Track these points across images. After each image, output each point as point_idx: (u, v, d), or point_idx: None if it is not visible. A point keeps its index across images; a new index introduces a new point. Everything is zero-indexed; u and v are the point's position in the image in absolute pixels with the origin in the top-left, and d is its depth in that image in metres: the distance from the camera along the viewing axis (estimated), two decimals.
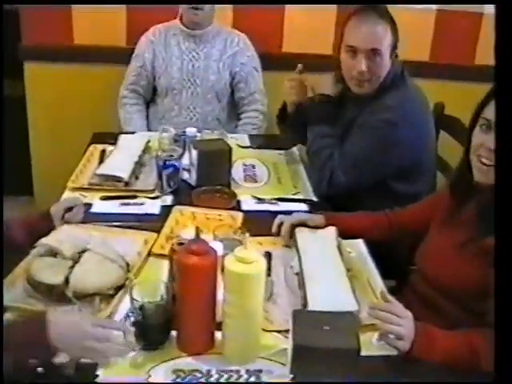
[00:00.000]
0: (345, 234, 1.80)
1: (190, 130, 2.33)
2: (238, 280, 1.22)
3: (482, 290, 1.43)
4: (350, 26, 2.12)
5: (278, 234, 1.81)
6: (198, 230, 1.25)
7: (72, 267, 1.49)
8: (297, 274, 1.60)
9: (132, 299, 1.31)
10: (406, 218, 1.88)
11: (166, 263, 1.57)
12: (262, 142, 2.63)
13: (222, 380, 1.26)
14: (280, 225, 1.81)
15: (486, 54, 3.36)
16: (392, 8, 3.11)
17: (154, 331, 1.31)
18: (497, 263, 1.23)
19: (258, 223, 1.86)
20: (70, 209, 1.79)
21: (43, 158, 3.36)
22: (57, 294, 1.44)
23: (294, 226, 1.80)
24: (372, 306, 1.39)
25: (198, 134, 2.36)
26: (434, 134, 2.26)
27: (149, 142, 2.43)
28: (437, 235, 1.69)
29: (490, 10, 3.27)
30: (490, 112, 1.48)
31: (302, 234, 1.77)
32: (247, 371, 1.28)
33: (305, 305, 1.45)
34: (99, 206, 1.98)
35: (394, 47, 2.12)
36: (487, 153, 1.48)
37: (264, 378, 1.27)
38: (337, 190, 2.09)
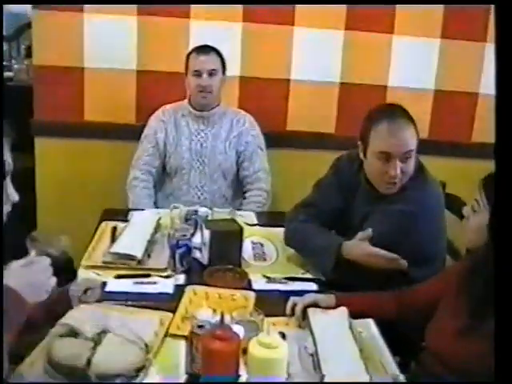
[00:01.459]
0: (354, 314, 1.83)
1: (202, 210, 2.40)
2: (261, 365, 1.27)
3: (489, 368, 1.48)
4: (380, 132, 2.10)
5: (291, 315, 1.84)
6: (222, 316, 1.30)
7: (93, 348, 1.53)
8: (311, 354, 1.63)
9: None
10: (413, 298, 1.91)
11: (182, 343, 1.62)
12: (268, 219, 2.69)
13: None
14: (293, 306, 1.85)
15: (482, 131, 3.50)
16: (391, 89, 3.29)
17: None
18: (497, 269, 1.28)
19: (270, 303, 1.90)
20: (87, 289, 1.83)
21: (51, 233, 3.40)
22: (79, 376, 1.47)
23: (306, 307, 1.84)
24: None
25: (210, 212, 2.42)
26: (446, 221, 2.29)
27: (159, 219, 2.49)
28: (446, 317, 1.74)
29: (485, 91, 3.42)
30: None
31: (314, 314, 1.81)
32: None
33: None
34: (113, 285, 2.02)
35: (418, 144, 2.14)
36: None
37: None
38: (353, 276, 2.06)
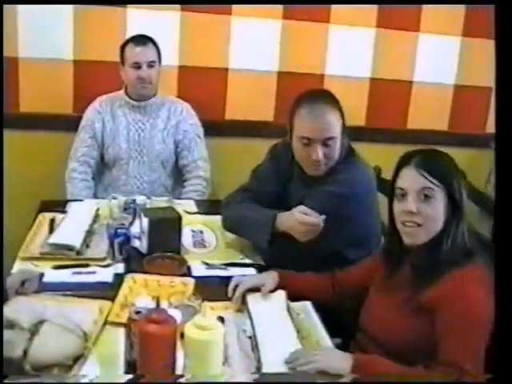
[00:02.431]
0: (292, 293, 1.87)
1: (140, 198, 2.39)
2: (198, 347, 1.28)
3: (425, 344, 1.55)
4: (301, 118, 2.14)
5: (233, 296, 1.87)
6: (158, 300, 1.31)
7: (30, 339, 1.51)
8: (249, 337, 1.66)
9: None
10: (347, 279, 1.97)
11: (121, 331, 1.62)
12: (208, 207, 2.70)
13: None
14: (235, 287, 1.87)
15: (416, 118, 3.60)
16: (328, 78, 3.34)
17: None
18: (497, 266, 1.33)
19: (209, 288, 1.92)
20: (24, 280, 1.81)
21: None
22: (16, 368, 1.45)
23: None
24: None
25: (148, 202, 2.42)
26: (379, 202, 2.33)
27: (98, 209, 2.48)
28: (377, 297, 1.81)
29: (418, 79, 3.51)
30: (401, 180, 1.66)
31: (253, 298, 1.84)
32: None
33: (259, 367, 1.51)
34: (51, 276, 1.99)
35: (344, 130, 2.18)
36: (409, 216, 1.64)
37: None
38: (290, 259, 2.09)
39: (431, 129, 3.62)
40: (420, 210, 1.63)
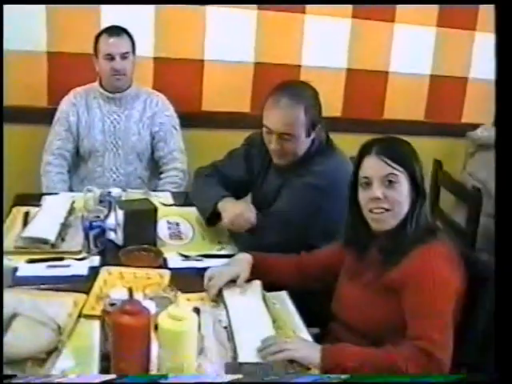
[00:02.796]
0: (263, 275, 1.89)
1: (115, 190, 2.38)
2: (171, 337, 1.28)
3: (396, 324, 1.57)
4: (266, 106, 2.19)
5: None
6: (131, 291, 1.30)
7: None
8: (225, 327, 1.66)
9: None
10: (313, 262, 1.98)
11: (96, 324, 1.60)
12: (185, 199, 2.68)
13: None
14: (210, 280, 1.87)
15: (393, 108, 3.62)
16: (305, 69, 3.34)
17: None
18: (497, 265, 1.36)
19: (185, 280, 1.91)
20: None
21: None
22: None
23: None
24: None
25: (123, 194, 2.40)
26: None
27: (73, 202, 2.46)
28: (346, 283, 1.83)
29: (394, 69, 3.53)
30: (364, 169, 1.69)
31: (228, 288, 1.83)
32: None
33: (235, 357, 1.51)
34: (25, 269, 1.97)
35: (313, 125, 2.18)
36: (376, 203, 1.67)
37: None
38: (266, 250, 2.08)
39: (408, 119, 3.63)
40: (386, 196, 1.66)
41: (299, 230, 2.14)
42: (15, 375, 1.22)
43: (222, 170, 2.44)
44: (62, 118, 2.94)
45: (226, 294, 1.81)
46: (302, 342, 1.58)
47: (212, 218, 2.28)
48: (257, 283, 1.87)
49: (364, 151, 1.72)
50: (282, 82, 2.23)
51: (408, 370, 1.45)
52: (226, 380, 1.21)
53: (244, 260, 1.93)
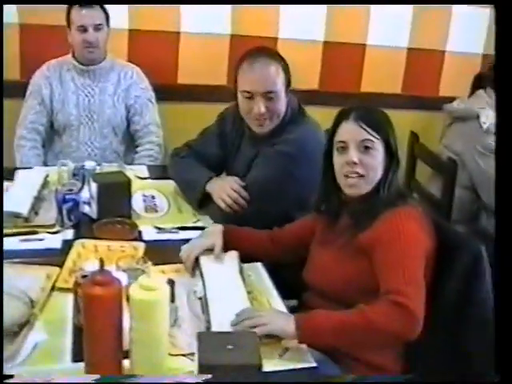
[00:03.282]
0: (239, 250, 1.89)
1: (89, 164, 2.35)
2: (142, 307, 1.27)
3: (369, 287, 1.58)
4: (242, 71, 2.16)
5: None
6: (101, 261, 1.29)
7: None
8: (200, 298, 1.65)
9: None
10: (288, 237, 1.98)
11: (70, 297, 1.59)
12: (160, 172, 2.66)
13: None
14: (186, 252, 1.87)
15: (370, 81, 3.60)
16: (282, 41, 3.31)
17: None
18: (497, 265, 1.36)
19: (160, 252, 1.91)
20: None
21: None
22: None
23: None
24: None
25: (97, 168, 2.38)
26: None
27: (47, 176, 2.43)
28: (318, 250, 1.84)
29: (372, 42, 3.51)
30: (341, 134, 1.71)
31: (206, 259, 1.83)
32: None
33: (209, 328, 1.51)
34: None
35: (288, 85, 2.19)
36: (351, 167, 1.68)
37: None
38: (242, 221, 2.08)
39: (385, 92, 3.62)
40: (361, 161, 1.68)
41: (273, 199, 2.14)
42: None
43: (197, 149, 2.42)
44: (35, 91, 2.89)
45: (203, 265, 1.81)
46: (275, 314, 1.58)
47: (202, 201, 2.25)
48: (234, 253, 1.86)
49: (342, 117, 1.73)
50: (251, 48, 2.23)
51: (383, 324, 1.46)
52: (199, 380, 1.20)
53: (216, 230, 1.93)
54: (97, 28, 2.79)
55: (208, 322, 1.53)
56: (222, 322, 1.52)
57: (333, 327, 1.49)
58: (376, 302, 1.51)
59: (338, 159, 1.73)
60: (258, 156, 2.22)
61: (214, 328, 1.50)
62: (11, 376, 1.21)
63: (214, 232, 1.93)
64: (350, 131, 1.70)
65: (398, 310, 1.47)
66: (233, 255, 1.87)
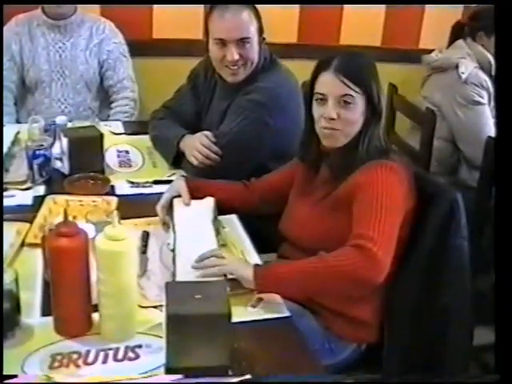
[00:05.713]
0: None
1: (60, 119, 2.30)
2: (108, 258, 1.24)
3: (344, 239, 1.53)
4: (213, 19, 2.12)
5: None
6: (66, 212, 1.25)
7: None
8: (172, 250, 1.63)
9: None
10: (265, 187, 1.95)
11: (39, 252, 1.56)
12: (135, 128, 2.62)
13: (99, 358, 1.27)
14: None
15: (349, 34, 3.55)
16: None
17: None
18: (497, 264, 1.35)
19: (133, 206, 1.89)
20: None
21: None
22: None
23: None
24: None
25: (69, 124, 2.33)
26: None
27: (18, 133, 2.38)
28: (296, 202, 1.81)
29: None
30: (320, 85, 1.64)
31: (179, 206, 1.80)
32: (126, 347, 1.30)
33: (173, 279, 1.50)
34: None
35: (261, 32, 2.15)
36: (328, 122, 1.63)
37: (143, 352, 1.29)
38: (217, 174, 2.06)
39: (364, 44, 3.56)
40: (340, 115, 1.62)
41: (246, 150, 2.11)
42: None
43: (173, 108, 2.40)
44: (5, 47, 2.80)
45: (177, 216, 1.78)
46: (237, 259, 1.57)
47: (177, 159, 2.22)
48: (209, 200, 1.83)
49: (322, 65, 1.64)
50: None
51: (345, 267, 1.43)
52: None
53: (178, 180, 1.93)
54: None
55: (173, 273, 1.52)
56: (187, 272, 1.50)
57: (292, 274, 1.47)
58: (340, 248, 1.48)
59: (316, 110, 1.67)
60: (229, 107, 2.18)
61: (178, 278, 1.48)
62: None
63: (177, 182, 1.92)
64: (329, 84, 1.62)
65: (361, 253, 1.44)
66: (208, 202, 1.83)
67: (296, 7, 3.42)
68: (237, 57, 2.09)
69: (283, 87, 2.14)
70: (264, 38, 2.18)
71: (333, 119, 1.61)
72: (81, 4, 2.80)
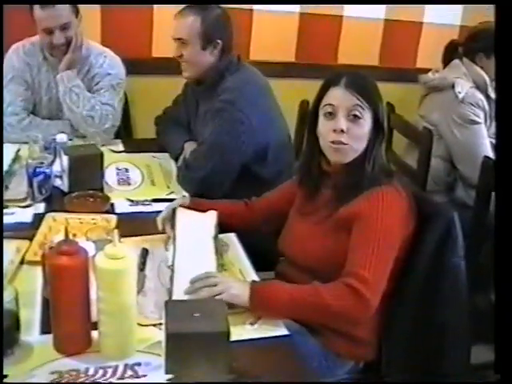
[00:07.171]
0: None
1: (60, 137, 2.31)
2: (108, 276, 1.25)
3: (342, 262, 1.55)
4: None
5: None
6: (66, 231, 1.27)
7: None
8: (169, 267, 1.63)
9: None
10: (266, 206, 1.97)
11: (40, 270, 1.57)
12: (134, 146, 2.65)
13: (97, 375, 1.27)
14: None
15: (346, 53, 3.58)
16: (258, 13, 3.27)
17: None
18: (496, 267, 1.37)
19: (133, 224, 1.90)
20: None
21: None
22: None
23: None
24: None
25: (69, 142, 2.34)
26: (283, 118, 2.43)
27: (19, 150, 2.40)
28: (296, 222, 1.82)
29: (348, 13, 3.48)
30: (330, 98, 1.64)
31: (181, 220, 1.81)
32: (125, 365, 1.31)
33: (170, 297, 1.49)
34: None
35: (210, 39, 2.27)
36: (338, 135, 1.62)
37: (142, 371, 1.30)
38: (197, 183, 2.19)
39: (362, 64, 3.60)
40: (349, 130, 1.62)
41: (228, 149, 2.19)
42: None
43: (171, 115, 2.62)
44: (18, 76, 2.66)
45: (179, 227, 1.78)
46: (231, 282, 1.53)
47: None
48: (213, 215, 1.84)
49: (332, 81, 1.65)
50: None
51: (334, 306, 1.46)
52: None
53: (182, 198, 2.00)
54: (63, 27, 2.53)
55: (170, 291, 1.52)
56: (182, 291, 1.50)
57: (284, 302, 1.48)
58: (332, 283, 1.50)
59: (324, 125, 1.66)
60: (207, 112, 2.30)
61: (175, 297, 1.49)
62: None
63: (181, 199, 1.98)
64: (340, 96, 1.62)
65: (352, 294, 1.47)
66: (211, 217, 1.84)
67: (295, 26, 3.45)
68: (177, 54, 2.32)
69: (251, 84, 2.27)
70: (218, 43, 2.29)
71: (343, 131, 1.61)
72: (81, 4, 2.80)
